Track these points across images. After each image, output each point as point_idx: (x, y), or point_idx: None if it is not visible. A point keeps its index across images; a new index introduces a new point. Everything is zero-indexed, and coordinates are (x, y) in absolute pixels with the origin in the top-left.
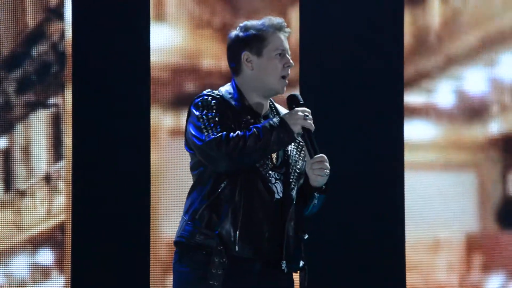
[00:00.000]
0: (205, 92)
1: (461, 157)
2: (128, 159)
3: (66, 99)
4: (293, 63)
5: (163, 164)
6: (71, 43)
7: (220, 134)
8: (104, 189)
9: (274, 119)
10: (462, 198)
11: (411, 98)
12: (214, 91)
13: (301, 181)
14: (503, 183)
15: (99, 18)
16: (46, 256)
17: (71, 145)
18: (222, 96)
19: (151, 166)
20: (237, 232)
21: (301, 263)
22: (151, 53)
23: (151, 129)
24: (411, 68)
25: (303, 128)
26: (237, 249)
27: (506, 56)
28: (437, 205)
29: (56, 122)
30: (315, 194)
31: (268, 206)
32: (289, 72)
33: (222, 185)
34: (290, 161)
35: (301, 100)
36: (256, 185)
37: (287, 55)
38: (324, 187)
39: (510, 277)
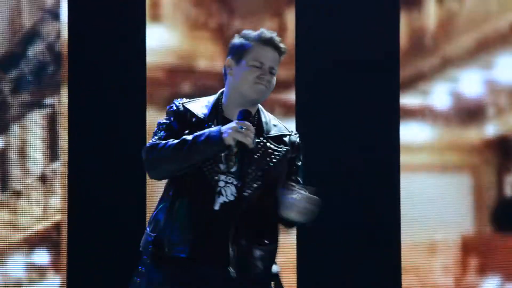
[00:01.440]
0: (174, 99)
1: (457, 159)
2: (124, 159)
3: (62, 99)
4: (268, 81)
5: None
6: (67, 43)
7: (155, 140)
8: (100, 189)
9: (213, 127)
10: (458, 200)
11: (407, 100)
12: (183, 99)
13: (278, 187)
14: (499, 185)
15: (95, 19)
16: (42, 256)
17: (67, 145)
18: (183, 104)
19: None
20: (169, 235)
21: (273, 269)
22: (147, 54)
23: (147, 129)
24: (407, 69)
25: (239, 142)
26: (166, 250)
27: (502, 58)
28: (433, 207)
29: (52, 122)
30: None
31: (208, 209)
32: (264, 86)
33: (171, 192)
34: (250, 165)
35: (250, 116)
36: (197, 188)
37: (266, 71)
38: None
39: (506, 280)
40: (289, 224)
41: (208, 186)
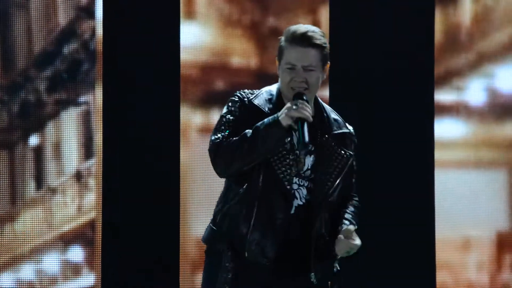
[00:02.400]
0: (238, 92)
1: (492, 155)
2: (158, 156)
3: (97, 97)
4: (301, 80)
5: (192, 162)
6: (101, 41)
7: (221, 138)
8: (133, 186)
9: (270, 116)
10: (493, 197)
11: (441, 96)
12: (246, 92)
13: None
14: None
15: (129, 17)
16: (76, 253)
17: (101, 143)
18: (249, 100)
19: (180, 164)
20: (247, 238)
21: (335, 268)
22: (181, 51)
23: (180, 127)
24: (442, 66)
25: (298, 118)
26: (246, 255)
27: None
28: (467, 203)
29: (86, 119)
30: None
31: (286, 213)
32: (301, 85)
33: (241, 190)
34: (320, 170)
35: (302, 95)
36: (273, 191)
37: (300, 71)
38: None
39: None
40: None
41: (284, 189)
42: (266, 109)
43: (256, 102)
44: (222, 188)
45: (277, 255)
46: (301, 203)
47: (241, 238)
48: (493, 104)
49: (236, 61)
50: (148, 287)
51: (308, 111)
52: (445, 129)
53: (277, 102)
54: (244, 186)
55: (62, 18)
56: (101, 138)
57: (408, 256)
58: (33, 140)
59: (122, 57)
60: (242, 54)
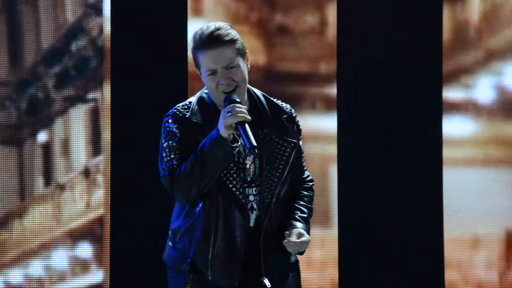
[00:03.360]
0: (171, 111)
1: (501, 153)
2: None
3: (105, 94)
4: (228, 80)
5: None
6: (109, 38)
7: (169, 170)
8: (142, 183)
9: (211, 133)
10: (501, 194)
11: (450, 93)
12: (179, 110)
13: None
14: None
15: (137, 14)
16: (85, 250)
17: (109, 139)
18: (185, 117)
19: None
20: (209, 259)
21: (291, 258)
22: (188, 48)
23: None
24: (450, 63)
25: (237, 123)
26: (210, 278)
27: None
28: (476, 201)
29: (95, 116)
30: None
31: (245, 228)
32: (229, 85)
33: (198, 208)
34: (267, 171)
35: (232, 98)
36: (230, 207)
37: (222, 73)
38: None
39: None
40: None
41: (241, 203)
42: (202, 121)
43: (191, 117)
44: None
45: (241, 274)
46: (259, 213)
47: (203, 260)
48: (501, 102)
49: None
50: (156, 284)
51: (243, 111)
52: (453, 126)
53: (209, 110)
54: (200, 204)
55: (70, 15)
56: (109, 134)
57: (416, 254)
58: (42, 136)
59: (130, 54)
60: (250, 51)
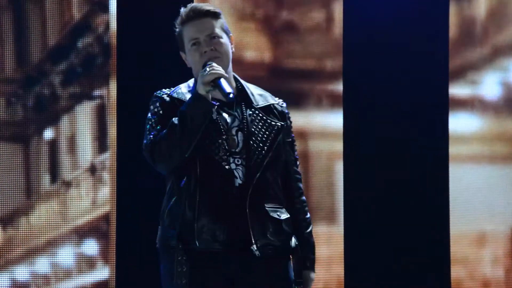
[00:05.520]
0: (155, 93)
1: (507, 149)
2: None
3: (111, 91)
4: (211, 48)
5: None
6: (115, 35)
7: (152, 137)
8: (148, 180)
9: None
10: (508, 191)
11: (456, 90)
12: (163, 90)
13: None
14: None
15: (143, 11)
16: (91, 247)
17: (115, 136)
18: (168, 95)
19: None
20: (195, 227)
21: (291, 243)
22: None
23: None
24: (457, 60)
25: (214, 80)
26: (197, 244)
27: None
28: (482, 198)
29: (101, 113)
30: None
31: (228, 195)
32: (212, 55)
33: (181, 183)
34: (252, 142)
35: (210, 62)
36: (212, 175)
37: (206, 41)
38: None
39: None
40: None
41: (223, 170)
42: (187, 98)
43: (175, 95)
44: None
45: (228, 238)
46: (241, 182)
47: (189, 229)
48: (508, 98)
49: (250, 55)
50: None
51: (219, 68)
52: (460, 123)
53: (193, 90)
54: (184, 179)
55: (77, 12)
56: (115, 131)
57: (423, 251)
58: (48, 133)
59: (136, 51)
60: (256, 48)
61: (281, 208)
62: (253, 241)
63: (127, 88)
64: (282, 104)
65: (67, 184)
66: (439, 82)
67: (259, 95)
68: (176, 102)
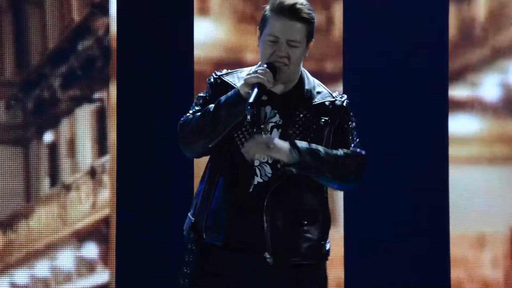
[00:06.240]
0: (214, 72)
1: (507, 151)
2: (172, 153)
3: (111, 94)
4: (283, 55)
5: (206, 158)
6: (115, 38)
7: (187, 117)
8: (148, 183)
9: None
10: (507, 193)
11: (456, 91)
12: (221, 71)
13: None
14: None
15: (143, 13)
16: (91, 250)
17: (115, 140)
18: (220, 77)
19: (194, 161)
20: (205, 219)
21: (311, 253)
22: (194, 48)
23: None
24: (456, 61)
25: (255, 84)
26: (204, 237)
27: None
28: (482, 199)
29: (101, 116)
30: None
31: (243, 191)
32: (282, 61)
33: (207, 172)
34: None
35: (272, 65)
36: (234, 168)
37: (282, 45)
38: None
39: None
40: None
41: (244, 165)
42: (238, 84)
43: (226, 78)
44: None
45: (232, 235)
46: (261, 180)
47: (201, 219)
48: (508, 100)
49: (250, 57)
50: (162, 284)
51: (266, 76)
52: (459, 125)
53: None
54: (208, 167)
55: (76, 15)
56: (115, 134)
57: (422, 252)
58: (48, 137)
59: (136, 54)
60: (256, 51)
61: (310, 215)
62: (267, 247)
63: (127, 91)
64: (340, 97)
65: (67, 187)
66: (438, 83)
67: (318, 93)
68: (225, 85)
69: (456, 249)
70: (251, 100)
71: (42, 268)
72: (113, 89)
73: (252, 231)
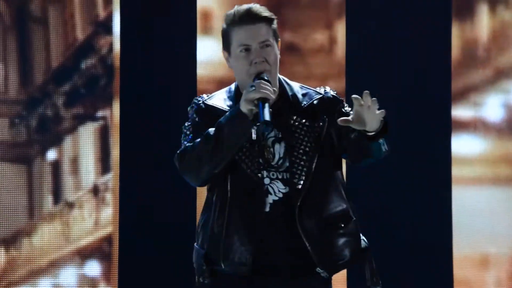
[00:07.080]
0: (194, 98)
1: (510, 171)
2: (175, 171)
3: (114, 112)
4: (262, 60)
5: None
6: (119, 56)
7: (184, 147)
8: (151, 201)
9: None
10: (510, 213)
11: (459, 112)
12: (202, 96)
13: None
14: None
15: (146, 32)
16: (93, 268)
17: (118, 158)
18: (204, 101)
19: None
20: (221, 247)
21: (362, 244)
22: (197, 67)
23: None
24: (459, 81)
25: (258, 99)
26: (223, 267)
27: None
28: (485, 220)
29: (104, 134)
30: (374, 142)
31: (260, 213)
32: (263, 68)
33: (213, 198)
34: (292, 151)
35: (262, 76)
36: (243, 192)
37: (257, 50)
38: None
39: None
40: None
41: (254, 185)
42: (225, 107)
43: (210, 102)
44: None
45: (258, 261)
46: (276, 198)
47: (216, 248)
48: (510, 120)
49: None
50: None
51: (268, 89)
52: (462, 145)
53: (236, 97)
54: (215, 194)
55: (80, 33)
56: (118, 152)
57: (425, 273)
58: (51, 154)
59: (139, 72)
60: None
61: (342, 216)
62: (317, 263)
63: (130, 110)
64: (326, 92)
65: (70, 205)
66: (441, 103)
67: (304, 95)
68: (212, 109)
69: (460, 270)
70: (266, 117)
71: (44, 286)
72: (116, 107)
73: (278, 254)
